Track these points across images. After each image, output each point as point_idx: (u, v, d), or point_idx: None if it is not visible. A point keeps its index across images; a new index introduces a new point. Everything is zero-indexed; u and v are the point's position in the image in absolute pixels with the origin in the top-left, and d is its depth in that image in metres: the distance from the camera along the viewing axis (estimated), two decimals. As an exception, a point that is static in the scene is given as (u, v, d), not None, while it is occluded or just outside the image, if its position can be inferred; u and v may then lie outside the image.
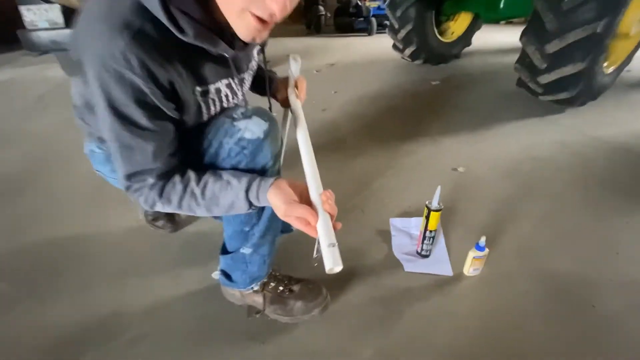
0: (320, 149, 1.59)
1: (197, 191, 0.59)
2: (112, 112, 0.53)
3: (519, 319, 0.89)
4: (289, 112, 0.92)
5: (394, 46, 3.09)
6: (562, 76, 1.87)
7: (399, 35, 2.87)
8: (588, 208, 1.27)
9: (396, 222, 1.18)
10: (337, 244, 0.51)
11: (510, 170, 1.51)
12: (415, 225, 1.15)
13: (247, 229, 0.74)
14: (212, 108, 0.64)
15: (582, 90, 1.94)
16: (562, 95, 1.98)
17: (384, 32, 3.76)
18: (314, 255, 0.53)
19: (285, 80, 0.88)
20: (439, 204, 0.95)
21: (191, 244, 1.13)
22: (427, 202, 0.97)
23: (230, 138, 0.61)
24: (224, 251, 0.82)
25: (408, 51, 2.96)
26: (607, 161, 1.56)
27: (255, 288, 0.86)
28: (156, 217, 1.12)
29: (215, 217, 0.82)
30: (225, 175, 0.60)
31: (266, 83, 0.80)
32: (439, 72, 2.98)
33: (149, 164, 0.57)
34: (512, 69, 2.12)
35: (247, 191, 0.58)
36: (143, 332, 0.87)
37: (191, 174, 0.61)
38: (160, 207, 0.61)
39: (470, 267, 0.97)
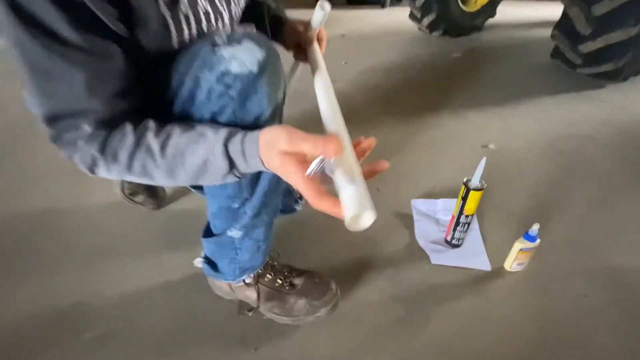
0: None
1: (156, 146, 0.41)
2: (14, 13, 0.34)
3: (578, 327, 0.71)
4: (299, 65, 0.72)
5: (411, 15, 2.82)
6: (608, 44, 1.63)
7: (417, 2, 2.60)
8: (646, 193, 1.07)
9: (419, 205, 0.99)
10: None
11: (548, 148, 1.31)
12: (442, 208, 0.97)
13: (236, 205, 0.56)
14: (185, 29, 0.45)
15: (628, 61, 1.70)
16: (605, 67, 1.73)
17: (398, 5, 3.45)
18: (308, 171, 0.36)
19: (301, 24, 0.67)
20: (481, 182, 0.75)
21: (176, 224, 0.96)
22: (465, 179, 0.77)
23: (210, 72, 0.42)
24: (208, 233, 0.64)
25: (426, 20, 2.68)
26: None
27: (248, 281, 0.69)
28: (134, 191, 0.95)
29: (196, 188, 0.64)
30: (199, 127, 0.42)
31: (264, 13, 0.60)
32: (460, 44, 2.71)
33: (81, 101, 0.39)
34: (542, 43, 1.88)
35: (226, 144, 0.40)
36: (111, 329, 0.71)
37: (150, 124, 0.42)
38: (105, 171, 0.42)
39: (514, 261, 0.78)
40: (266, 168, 0.39)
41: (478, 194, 0.76)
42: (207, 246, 0.66)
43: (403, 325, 0.72)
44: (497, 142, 1.33)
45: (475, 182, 0.75)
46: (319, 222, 0.94)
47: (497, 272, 0.82)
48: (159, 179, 0.43)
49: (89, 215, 0.98)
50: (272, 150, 0.37)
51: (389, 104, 1.66)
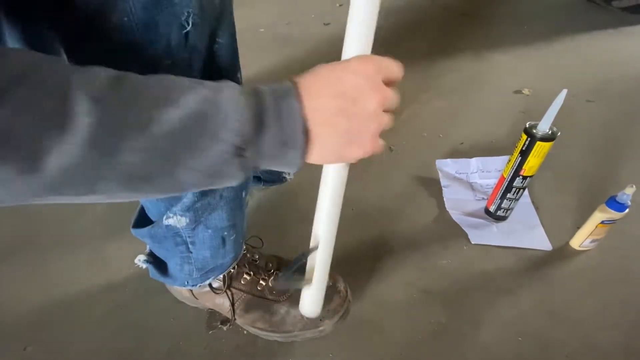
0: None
1: (103, 72, 0.20)
2: None
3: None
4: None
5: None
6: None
7: None
8: None
9: (447, 166, 0.76)
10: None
11: (595, 91, 1.07)
12: (478, 169, 0.74)
13: None
14: None
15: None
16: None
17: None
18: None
19: None
20: (551, 128, 0.51)
21: (121, 206, 0.72)
22: (527, 124, 0.53)
23: None
24: (139, 221, 0.40)
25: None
26: None
27: (215, 285, 0.46)
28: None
29: None
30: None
31: None
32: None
33: None
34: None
35: (257, 92, 0.23)
36: (34, 344, 0.49)
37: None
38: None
39: (589, 237, 0.57)
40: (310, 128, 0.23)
41: (547, 145, 0.52)
42: (147, 240, 0.43)
43: (441, 334, 0.51)
44: (532, 87, 1.08)
45: (544, 127, 0.51)
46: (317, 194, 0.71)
47: (562, 251, 0.60)
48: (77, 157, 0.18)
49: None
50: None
51: (396, 47, 1.37)
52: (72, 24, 0.25)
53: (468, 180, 0.73)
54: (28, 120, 0.17)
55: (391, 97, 0.26)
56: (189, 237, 0.39)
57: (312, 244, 0.37)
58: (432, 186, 0.73)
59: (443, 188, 0.71)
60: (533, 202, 0.68)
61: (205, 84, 0.22)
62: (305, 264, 0.39)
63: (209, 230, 0.39)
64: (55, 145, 0.17)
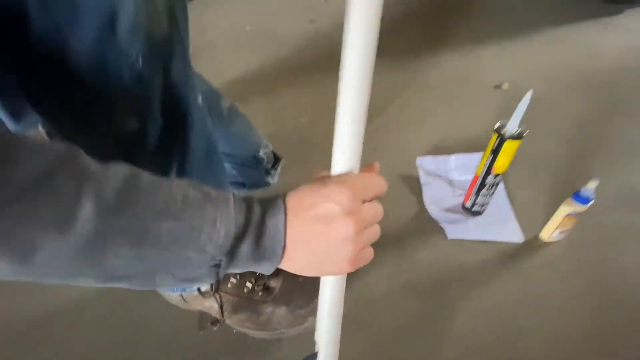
0: (309, 68, 1.15)
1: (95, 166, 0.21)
2: None
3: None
4: None
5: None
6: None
7: None
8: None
9: (427, 163, 0.79)
10: None
11: (573, 85, 1.10)
12: (456, 166, 0.77)
13: None
14: None
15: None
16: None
17: None
18: None
19: None
20: (520, 127, 0.54)
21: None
22: (497, 124, 0.56)
23: None
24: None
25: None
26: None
27: (203, 289, 0.49)
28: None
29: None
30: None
31: None
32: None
33: None
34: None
35: (249, 208, 0.25)
36: (25, 344, 0.52)
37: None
38: None
39: (557, 229, 0.60)
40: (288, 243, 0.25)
41: (515, 143, 0.55)
42: None
43: (420, 323, 0.54)
44: (512, 81, 1.11)
45: (512, 127, 0.54)
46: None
47: (533, 243, 0.64)
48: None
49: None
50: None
51: (380, 43, 1.40)
52: (26, 68, 0.26)
53: (447, 177, 0.76)
54: (30, 228, 0.18)
55: (372, 215, 0.27)
56: None
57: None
58: (414, 183, 0.76)
59: (423, 185, 0.74)
60: (508, 196, 0.72)
61: (210, 195, 0.23)
62: None
63: None
64: (50, 246, 0.18)
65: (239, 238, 0.23)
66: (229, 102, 0.59)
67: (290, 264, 0.26)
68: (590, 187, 0.55)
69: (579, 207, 0.57)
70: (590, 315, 0.55)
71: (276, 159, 0.68)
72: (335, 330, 0.36)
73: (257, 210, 0.24)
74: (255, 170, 0.63)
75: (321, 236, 0.25)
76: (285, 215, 0.24)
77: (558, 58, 1.26)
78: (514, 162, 0.76)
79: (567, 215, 0.58)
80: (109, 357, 0.51)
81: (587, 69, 1.17)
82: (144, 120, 0.31)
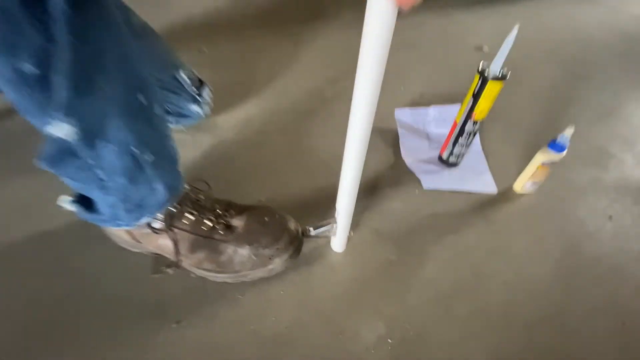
0: (281, 16, 1.07)
1: None
2: None
3: (607, 258, 0.56)
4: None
5: None
6: None
7: None
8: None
9: (404, 115, 0.76)
10: None
11: (552, 51, 1.11)
12: (435, 118, 0.74)
13: (26, 65, 0.26)
14: None
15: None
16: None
17: None
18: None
19: None
20: (503, 68, 0.52)
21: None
22: (480, 65, 0.53)
23: None
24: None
25: None
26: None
27: (156, 225, 0.44)
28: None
29: None
30: None
31: None
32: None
33: None
34: None
35: None
36: None
37: None
38: None
39: (529, 180, 0.60)
40: None
41: (498, 85, 0.53)
42: (49, 170, 0.37)
43: (392, 272, 0.52)
44: (492, 45, 1.09)
45: (496, 67, 0.51)
46: (271, 141, 0.68)
47: (505, 195, 0.63)
48: None
49: None
50: None
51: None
52: None
53: (425, 130, 0.73)
54: None
55: None
56: (90, 158, 0.34)
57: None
58: (390, 136, 0.73)
59: (400, 137, 0.71)
60: (483, 150, 0.70)
61: None
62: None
63: (110, 145, 0.34)
64: None
65: None
66: (141, 19, 0.52)
67: None
68: (567, 134, 0.54)
69: (554, 156, 0.56)
70: (553, 263, 0.56)
71: (202, 83, 0.62)
72: (354, 198, 0.46)
73: None
74: (180, 97, 0.57)
75: None
76: None
77: (535, 26, 1.26)
78: (489, 120, 0.74)
79: (542, 163, 0.57)
80: (51, 313, 0.45)
81: (563, 39, 1.18)
82: None
